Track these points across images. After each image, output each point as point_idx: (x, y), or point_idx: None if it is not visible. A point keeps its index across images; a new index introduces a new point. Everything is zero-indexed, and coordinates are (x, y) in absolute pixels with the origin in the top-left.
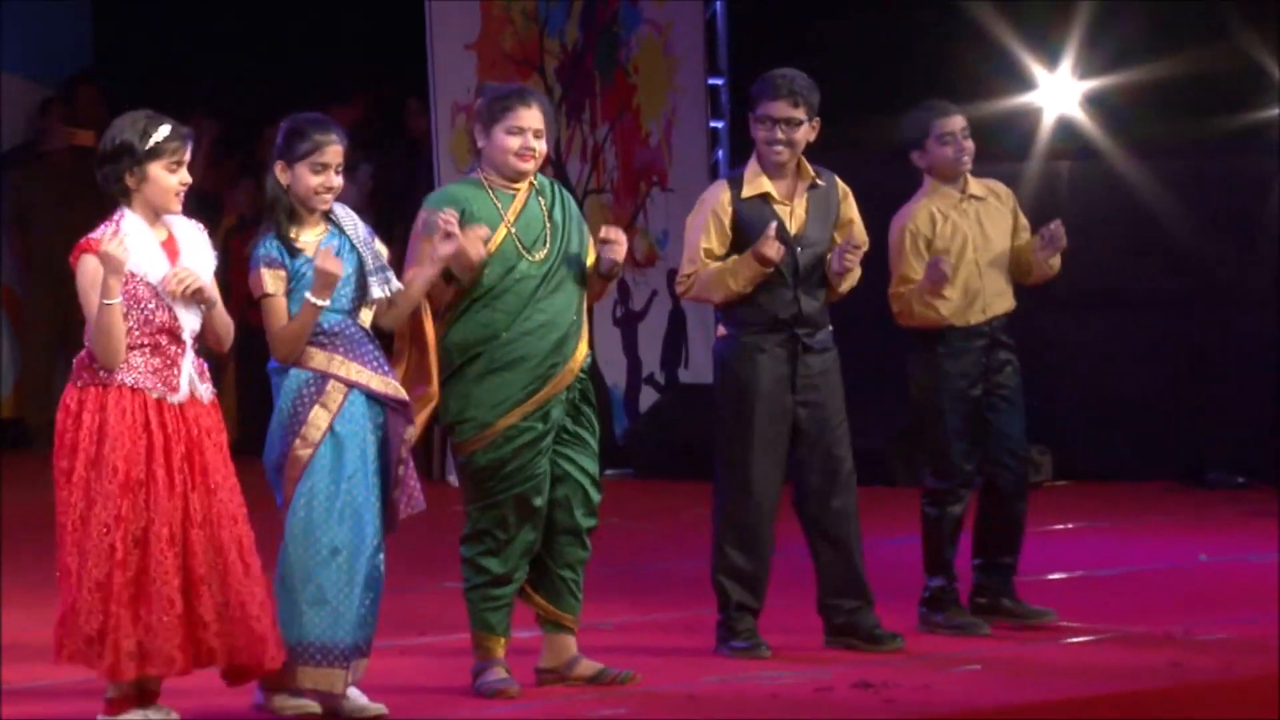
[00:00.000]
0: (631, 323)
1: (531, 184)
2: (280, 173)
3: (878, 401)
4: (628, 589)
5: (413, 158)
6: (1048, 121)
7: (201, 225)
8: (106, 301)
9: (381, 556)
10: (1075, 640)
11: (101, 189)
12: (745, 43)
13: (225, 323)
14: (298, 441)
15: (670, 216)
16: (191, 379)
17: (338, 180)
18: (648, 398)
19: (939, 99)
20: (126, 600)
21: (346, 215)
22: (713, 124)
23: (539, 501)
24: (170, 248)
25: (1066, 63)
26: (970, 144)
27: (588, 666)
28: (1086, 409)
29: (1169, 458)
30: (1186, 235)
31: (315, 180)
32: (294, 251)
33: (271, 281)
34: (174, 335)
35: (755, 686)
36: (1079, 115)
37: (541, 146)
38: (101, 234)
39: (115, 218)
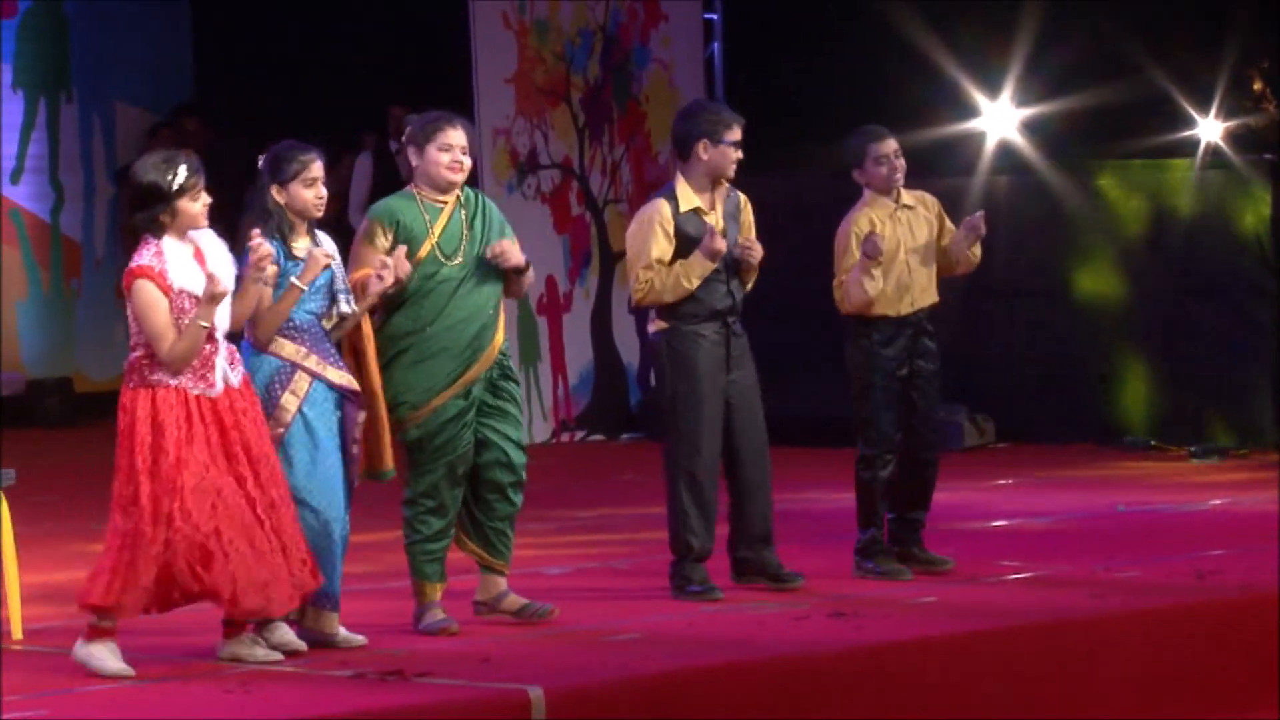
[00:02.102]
0: (644, 311)
1: (458, 197)
2: (276, 194)
3: (840, 369)
4: (639, 531)
5: None
6: (989, 144)
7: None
8: (204, 324)
9: (345, 519)
10: (1015, 577)
11: (139, 228)
12: (737, 78)
13: (238, 314)
14: (271, 422)
15: None
16: (224, 372)
17: (324, 191)
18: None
19: (878, 125)
20: (188, 552)
21: (325, 239)
22: None
23: (467, 466)
24: (199, 258)
25: (1006, 93)
26: (902, 163)
27: (514, 601)
28: (1022, 383)
29: (1092, 424)
30: (1105, 239)
31: (309, 194)
32: (291, 256)
33: (270, 271)
34: (210, 336)
35: (745, 615)
36: (1017, 138)
37: (468, 161)
38: (149, 262)
39: (154, 245)
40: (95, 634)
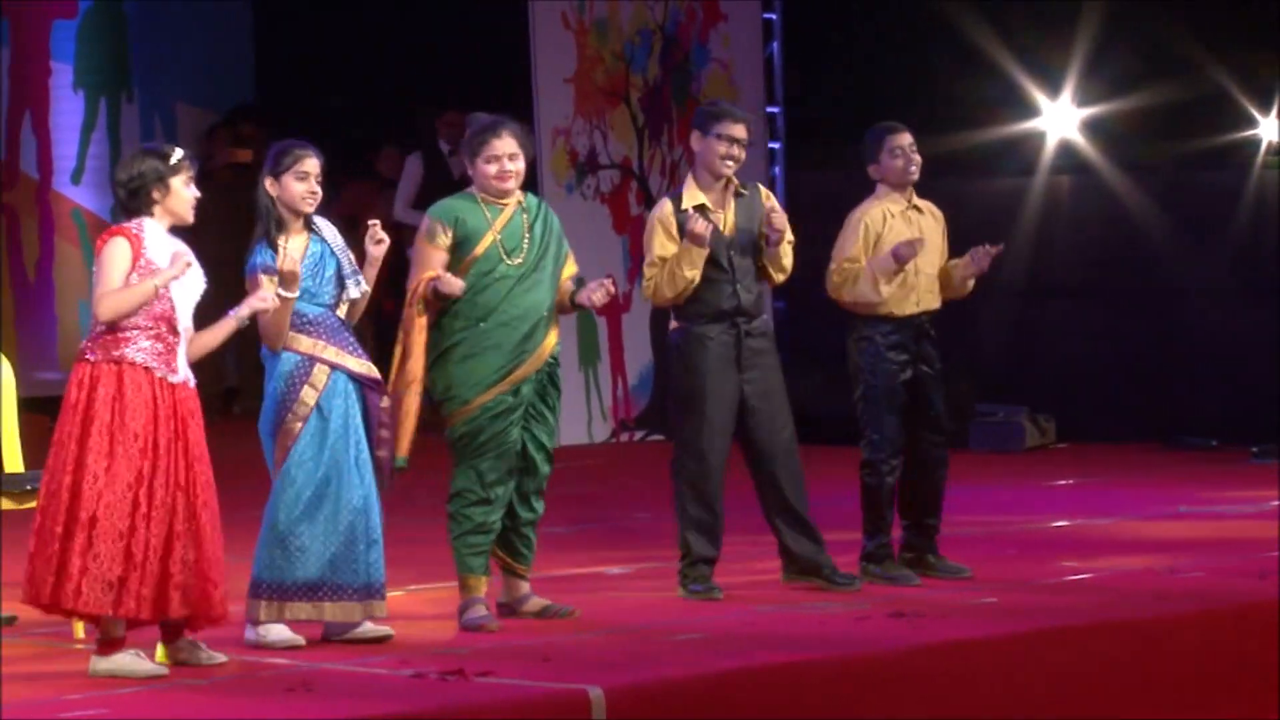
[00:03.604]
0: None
1: (519, 201)
2: (270, 186)
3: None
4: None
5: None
6: (1050, 144)
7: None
8: (156, 284)
9: (373, 508)
10: (1075, 578)
11: (127, 208)
12: (796, 77)
13: (210, 341)
14: (290, 416)
15: None
16: (184, 365)
17: (318, 188)
18: None
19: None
20: (147, 549)
21: (326, 226)
22: (770, 145)
23: (510, 464)
24: (174, 256)
25: (1067, 92)
26: (918, 158)
27: (536, 602)
28: (1084, 383)
29: (1153, 424)
30: (1165, 239)
31: (300, 187)
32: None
33: (268, 285)
34: (171, 325)
35: (804, 615)
36: (1077, 138)
37: (517, 166)
38: (131, 226)
39: (137, 220)
40: (108, 648)
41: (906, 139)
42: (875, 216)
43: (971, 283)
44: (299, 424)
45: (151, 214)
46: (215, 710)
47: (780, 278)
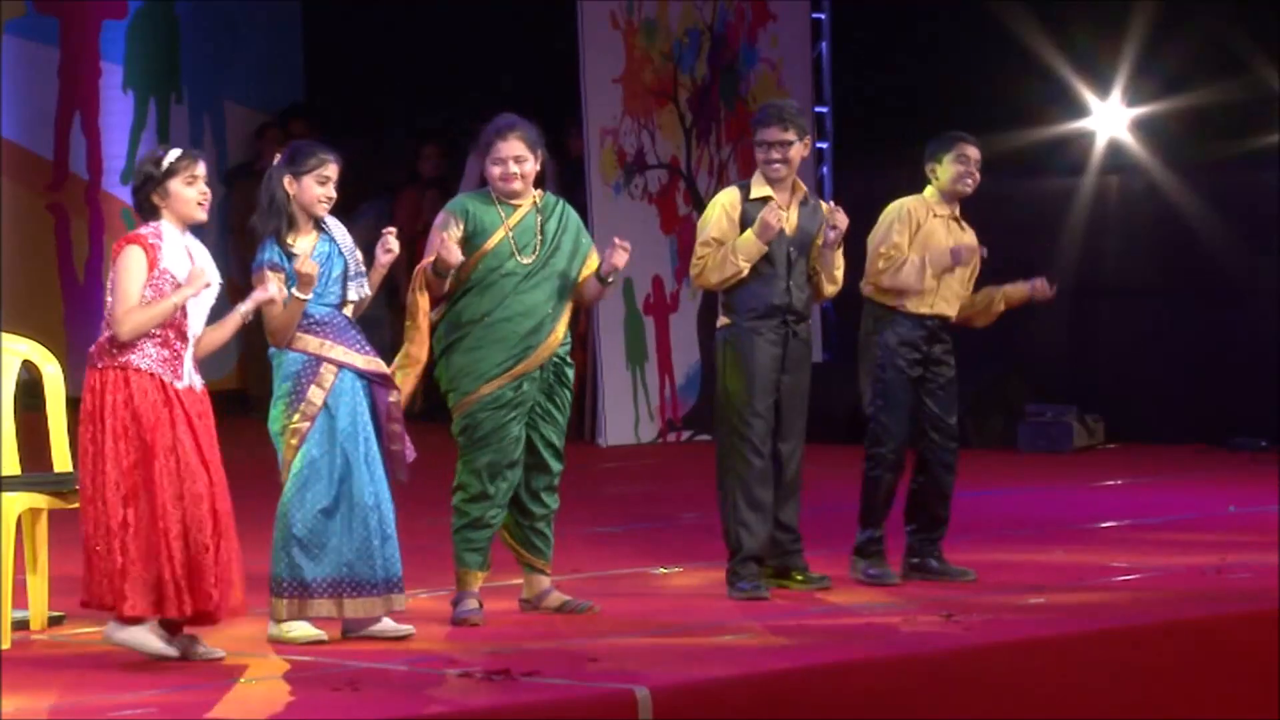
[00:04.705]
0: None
1: (535, 201)
2: (288, 184)
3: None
4: None
5: (571, 171)
6: (1100, 144)
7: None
8: (175, 302)
9: (386, 503)
10: (1124, 578)
11: (138, 213)
12: (845, 77)
13: (217, 338)
14: (297, 415)
15: None
16: (191, 372)
17: (333, 193)
18: None
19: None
20: (173, 551)
21: (336, 226)
22: (819, 145)
23: (511, 459)
24: (189, 257)
25: (1117, 92)
26: (978, 175)
27: (556, 598)
28: (1133, 383)
29: (1201, 424)
30: (1215, 239)
31: (319, 190)
32: (290, 256)
33: (274, 283)
34: (181, 333)
35: (853, 616)
36: (1127, 138)
37: (524, 168)
38: (147, 234)
39: (154, 225)
40: (129, 619)
41: (977, 153)
42: (918, 209)
43: (1002, 309)
44: (307, 423)
45: (160, 216)
46: (263, 710)
47: (831, 289)
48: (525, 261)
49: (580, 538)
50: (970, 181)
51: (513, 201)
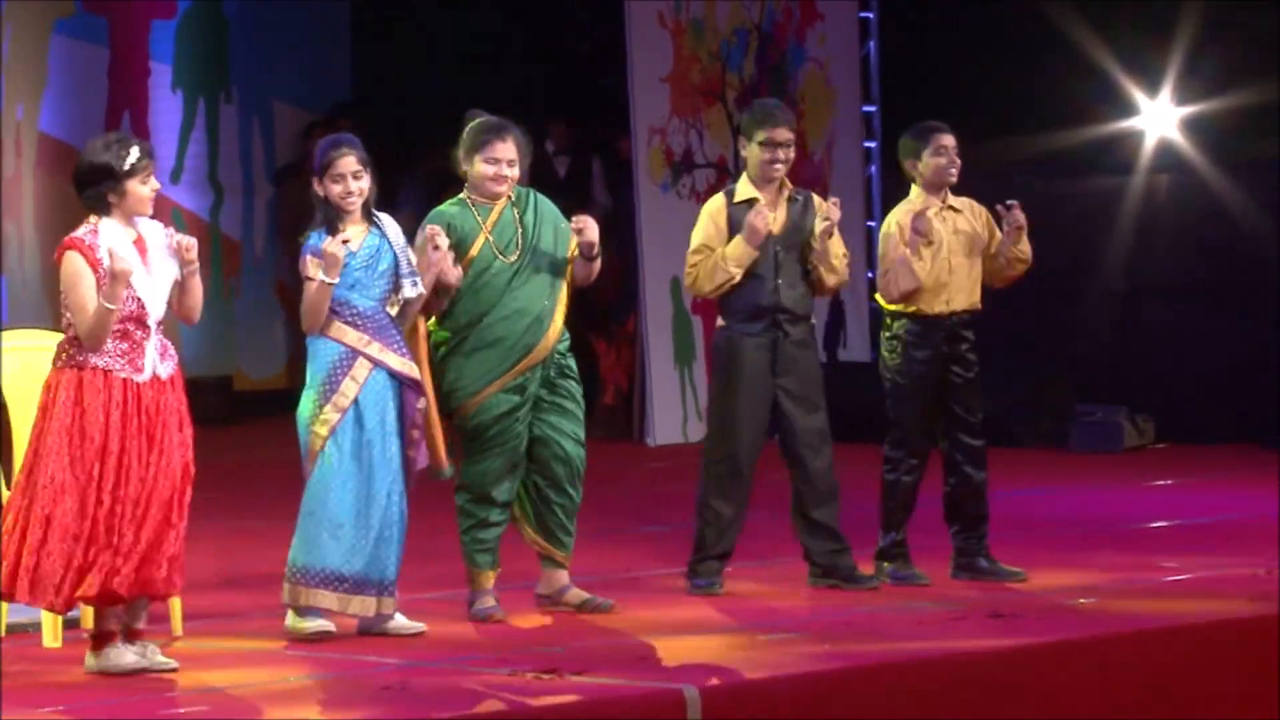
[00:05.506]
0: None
1: (508, 197)
2: (317, 186)
3: (1003, 369)
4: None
5: (619, 171)
6: (1149, 143)
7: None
8: (108, 305)
9: (401, 504)
10: (1174, 579)
11: (86, 207)
12: (893, 76)
13: (196, 298)
14: (329, 406)
15: None
16: (154, 361)
17: (355, 185)
18: None
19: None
20: (94, 547)
21: (389, 223)
22: (866, 144)
23: (516, 458)
24: (140, 245)
25: (1166, 91)
26: (958, 163)
27: (576, 594)
28: (1183, 383)
29: (1252, 424)
30: (1265, 238)
31: (336, 189)
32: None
33: (313, 268)
34: (141, 322)
35: (901, 615)
36: (1177, 137)
37: (513, 173)
38: (83, 235)
39: (93, 223)
40: (99, 643)
41: (952, 140)
42: (907, 215)
43: (1026, 245)
44: (337, 415)
45: (109, 214)
46: (316, 710)
47: (833, 280)
48: (510, 260)
49: (628, 536)
50: (953, 170)
51: (489, 202)
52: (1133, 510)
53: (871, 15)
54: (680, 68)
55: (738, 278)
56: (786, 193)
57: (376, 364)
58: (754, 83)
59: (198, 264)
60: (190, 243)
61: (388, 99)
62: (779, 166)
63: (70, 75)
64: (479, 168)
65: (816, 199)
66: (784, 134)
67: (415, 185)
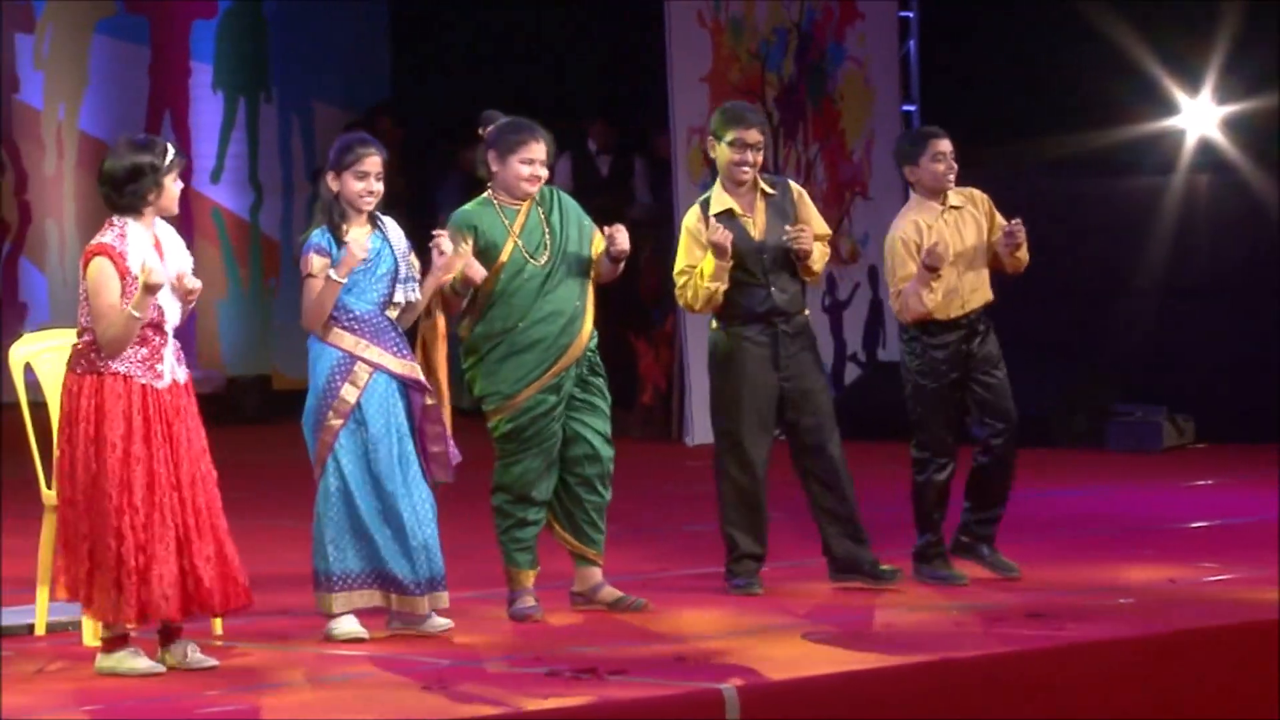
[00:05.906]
0: (837, 310)
1: (532, 197)
2: (331, 181)
3: (1037, 370)
4: None
5: (658, 170)
6: (1189, 142)
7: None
8: (136, 314)
9: (422, 502)
10: (1214, 579)
11: (120, 207)
12: (933, 76)
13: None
14: (330, 413)
15: (870, 221)
16: (172, 365)
17: (378, 186)
18: (851, 373)
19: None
20: (136, 555)
21: (393, 227)
22: None
23: (552, 457)
24: (158, 247)
25: (1207, 90)
26: (955, 167)
27: (609, 593)
28: (1222, 383)
29: None
30: None
31: (359, 185)
32: (342, 243)
33: (316, 265)
34: (159, 328)
35: (939, 616)
36: (1217, 136)
37: (544, 173)
38: (112, 241)
39: (119, 227)
40: (111, 645)
41: (949, 145)
42: (909, 230)
43: (1024, 252)
44: (339, 421)
45: (141, 214)
46: (359, 710)
47: (815, 273)
48: (541, 263)
49: (667, 536)
50: (951, 176)
51: (516, 204)
52: (1172, 510)
53: (911, 14)
54: (719, 67)
55: (720, 291)
56: (760, 190)
57: (376, 368)
58: (793, 82)
59: (195, 301)
60: (198, 287)
61: (427, 98)
62: (747, 169)
63: (111, 75)
64: (515, 168)
65: (794, 187)
66: (754, 135)
67: (453, 184)
